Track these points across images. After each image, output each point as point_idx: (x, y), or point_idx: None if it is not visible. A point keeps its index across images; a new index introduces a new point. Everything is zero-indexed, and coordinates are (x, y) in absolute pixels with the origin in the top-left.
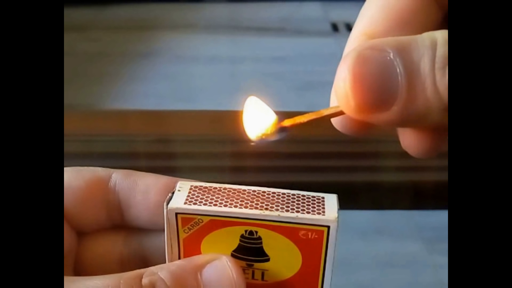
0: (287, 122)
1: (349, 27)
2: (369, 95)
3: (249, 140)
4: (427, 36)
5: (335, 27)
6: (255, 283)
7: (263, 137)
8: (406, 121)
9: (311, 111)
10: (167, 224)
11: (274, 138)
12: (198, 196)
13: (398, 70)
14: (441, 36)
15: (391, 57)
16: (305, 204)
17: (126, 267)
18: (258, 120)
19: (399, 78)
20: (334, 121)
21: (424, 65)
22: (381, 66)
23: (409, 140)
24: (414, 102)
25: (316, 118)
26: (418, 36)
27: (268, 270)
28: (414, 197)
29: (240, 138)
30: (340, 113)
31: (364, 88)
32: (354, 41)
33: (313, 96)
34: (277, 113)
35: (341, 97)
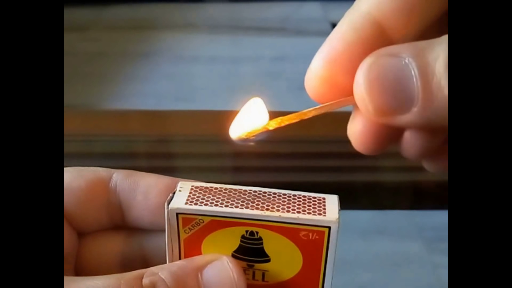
0: (271, 125)
1: None
2: (385, 99)
3: (230, 139)
4: (444, 38)
5: (335, 27)
6: (255, 284)
7: (245, 138)
8: (429, 122)
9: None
10: (168, 224)
11: (255, 139)
12: (199, 197)
13: (412, 72)
14: None
15: (406, 61)
16: (306, 205)
17: (126, 268)
18: (248, 122)
19: (414, 80)
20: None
21: (439, 66)
22: (396, 71)
23: (355, 131)
24: (433, 102)
25: (300, 119)
26: (436, 39)
27: (269, 270)
28: (414, 197)
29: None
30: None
31: (380, 93)
32: (359, 18)
33: None
34: (274, 114)
35: (359, 101)
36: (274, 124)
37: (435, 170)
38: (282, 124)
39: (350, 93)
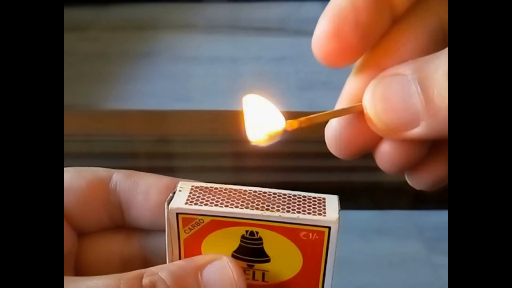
0: (292, 125)
1: None
2: (393, 116)
3: (248, 141)
4: (444, 51)
5: None
6: (255, 284)
7: (265, 141)
8: (439, 132)
9: (311, 111)
10: (168, 224)
11: (275, 141)
12: (199, 197)
13: (414, 87)
14: None
15: (409, 78)
16: (306, 205)
17: (126, 267)
18: (261, 123)
19: (417, 94)
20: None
21: (439, 77)
22: (400, 89)
23: (331, 134)
24: (438, 113)
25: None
26: (435, 53)
27: (269, 271)
28: (414, 197)
29: (240, 138)
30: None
31: (387, 112)
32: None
33: (313, 96)
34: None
35: (368, 122)
36: (294, 124)
37: (417, 185)
38: (303, 125)
39: (358, 47)
